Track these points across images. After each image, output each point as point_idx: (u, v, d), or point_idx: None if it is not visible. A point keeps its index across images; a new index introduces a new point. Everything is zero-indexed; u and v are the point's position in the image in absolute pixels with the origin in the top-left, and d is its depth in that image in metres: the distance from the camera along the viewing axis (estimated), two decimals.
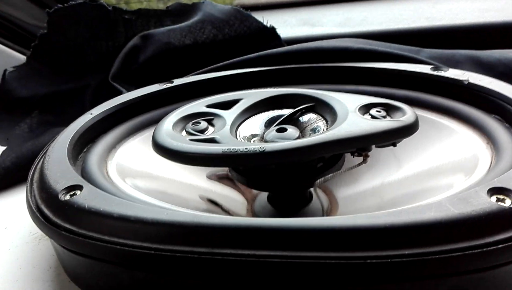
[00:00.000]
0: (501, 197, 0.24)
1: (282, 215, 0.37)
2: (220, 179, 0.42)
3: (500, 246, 0.22)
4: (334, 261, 0.23)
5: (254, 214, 0.39)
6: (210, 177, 0.42)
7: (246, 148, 0.30)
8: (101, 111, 0.43)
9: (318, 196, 0.34)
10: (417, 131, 0.31)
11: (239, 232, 0.25)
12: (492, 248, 0.22)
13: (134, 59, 0.60)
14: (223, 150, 0.31)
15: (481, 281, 0.24)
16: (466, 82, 0.38)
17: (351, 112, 0.33)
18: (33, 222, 0.31)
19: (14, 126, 0.55)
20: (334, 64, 0.47)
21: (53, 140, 0.39)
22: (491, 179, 0.27)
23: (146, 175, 0.39)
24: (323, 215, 0.35)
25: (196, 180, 0.41)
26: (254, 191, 0.41)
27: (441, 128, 0.38)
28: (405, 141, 0.32)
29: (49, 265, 0.35)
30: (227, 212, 0.39)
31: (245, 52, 0.54)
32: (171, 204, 0.33)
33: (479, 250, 0.22)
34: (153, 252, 0.25)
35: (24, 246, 0.38)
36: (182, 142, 0.32)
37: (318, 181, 0.32)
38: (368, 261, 0.23)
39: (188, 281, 0.26)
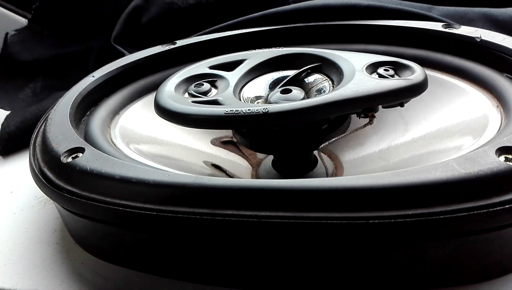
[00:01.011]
0: (510, 156, 0.24)
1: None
2: (225, 144, 0.42)
3: (507, 206, 0.22)
4: (336, 222, 0.23)
5: (258, 179, 0.39)
6: (214, 142, 0.42)
7: (249, 109, 0.30)
8: (103, 74, 0.43)
9: (323, 160, 0.33)
10: (426, 91, 0.30)
11: (241, 193, 0.24)
12: (498, 208, 0.22)
13: (137, 20, 0.59)
14: (225, 112, 0.30)
15: (487, 241, 0.24)
16: (479, 40, 0.37)
17: (358, 72, 0.32)
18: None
19: (18, 90, 0.55)
20: (342, 22, 0.45)
21: (55, 103, 0.39)
22: (501, 139, 0.26)
23: (149, 140, 0.39)
24: None
25: (201, 146, 0.41)
26: (259, 157, 0.41)
27: (450, 88, 0.37)
28: (413, 102, 0.31)
29: (54, 228, 0.35)
30: (231, 177, 0.38)
31: (250, 11, 0.52)
32: (175, 169, 0.33)
33: (485, 211, 0.22)
34: (155, 213, 0.25)
35: (30, 210, 0.38)
36: (184, 104, 0.32)
37: (322, 143, 0.32)
38: (371, 221, 0.22)
39: (190, 241, 0.26)
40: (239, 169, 0.40)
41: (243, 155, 0.42)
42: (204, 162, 0.40)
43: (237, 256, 0.26)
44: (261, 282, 0.27)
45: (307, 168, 0.37)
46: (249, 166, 0.41)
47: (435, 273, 0.25)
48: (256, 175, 0.40)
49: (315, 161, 0.37)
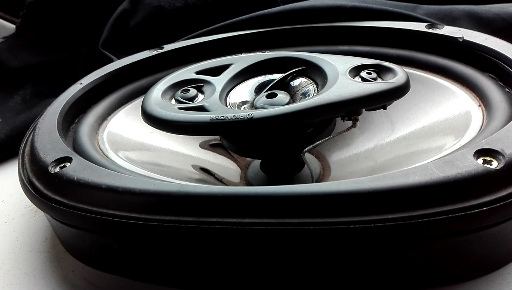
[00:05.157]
0: (488, 159, 0.24)
1: (274, 182, 0.37)
2: (213, 147, 0.42)
3: (485, 208, 0.22)
4: (318, 227, 0.23)
5: (247, 181, 0.39)
6: (203, 146, 0.42)
7: (234, 116, 0.30)
8: (91, 81, 0.43)
9: (307, 162, 0.34)
10: (410, 90, 0.31)
11: (225, 200, 0.25)
12: (476, 211, 0.22)
13: (124, 24, 0.59)
14: (211, 118, 0.30)
15: (466, 243, 0.24)
16: (461, 40, 0.37)
17: (341, 75, 0.32)
18: None
19: (7, 98, 0.55)
20: (328, 24, 0.46)
21: (43, 112, 0.39)
22: (480, 140, 0.27)
23: (137, 146, 0.39)
24: (312, 181, 0.35)
25: (189, 149, 0.41)
26: (247, 159, 0.41)
27: (434, 87, 0.37)
28: (398, 102, 0.31)
29: (45, 236, 0.36)
30: (220, 180, 0.39)
31: (237, 13, 0.53)
32: (163, 175, 0.33)
33: (463, 213, 0.22)
34: (141, 222, 0.26)
35: (21, 218, 0.38)
36: (171, 110, 0.32)
37: (307, 147, 0.32)
38: (352, 226, 0.23)
39: (177, 249, 0.27)
40: (228, 172, 0.41)
41: (231, 158, 0.42)
42: (193, 166, 0.40)
43: (222, 262, 0.26)
44: (245, 287, 0.27)
45: (295, 169, 0.37)
46: (237, 168, 0.41)
47: (417, 275, 0.25)
48: (244, 178, 0.40)
49: (302, 162, 0.38)
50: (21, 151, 0.35)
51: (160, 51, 0.47)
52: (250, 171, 0.40)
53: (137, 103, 0.43)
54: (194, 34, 0.52)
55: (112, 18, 0.59)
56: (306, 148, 0.33)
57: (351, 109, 0.30)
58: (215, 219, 0.25)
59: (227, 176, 0.40)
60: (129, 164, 0.34)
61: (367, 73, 0.32)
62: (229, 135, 0.34)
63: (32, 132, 0.36)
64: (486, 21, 0.47)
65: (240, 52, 0.45)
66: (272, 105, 0.32)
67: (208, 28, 0.52)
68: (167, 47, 0.48)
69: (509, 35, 0.43)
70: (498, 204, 0.22)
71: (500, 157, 0.24)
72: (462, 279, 0.26)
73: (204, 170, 0.40)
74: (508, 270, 0.26)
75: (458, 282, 0.26)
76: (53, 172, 0.30)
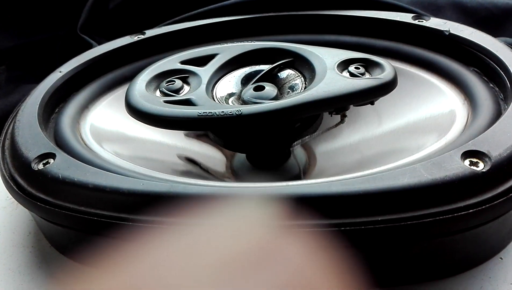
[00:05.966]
0: (475, 160, 0.25)
1: (260, 172, 0.37)
2: (199, 136, 0.42)
3: (471, 211, 0.23)
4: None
5: (232, 171, 0.39)
6: (188, 135, 0.41)
7: (222, 112, 0.30)
8: (71, 69, 0.41)
9: (293, 153, 0.34)
10: (398, 85, 0.31)
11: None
12: (462, 213, 0.23)
13: (103, 6, 0.57)
14: (198, 114, 0.30)
15: (452, 243, 0.25)
16: (447, 33, 0.37)
17: (329, 70, 0.32)
18: None
19: None
20: (314, 12, 0.45)
21: (23, 101, 0.38)
22: (465, 139, 0.27)
23: (121, 137, 0.38)
24: (300, 173, 0.35)
25: (174, 139, 0.40)
26: None
27: (420, 82, 0.37)
28: (386, 96, 0.32)
29: (29, 230, 0.35)
30: (205, 170, 0.38)
31: None
32: (148, 168, 0.33)
33: (449, 216, 0.23)
34: (130, 223, 0.25)
35: (2, 211, 0.37)
36: (156, 104, 0.31)
37: (296, 142, 0.32)
38: (342, 228, 0.23)
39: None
40: (213, 161, 0.40)
41: (217, 147, 0.42)
42: (178, 156, 0.40)
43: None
44: None
45: (281, 160, 0.37)
46: (223, 157, 0.41)
47: (403, 272, 0.26)
48: (230, 167, 0.40)
49: (289, 153, 0.38)
50: (0, 144, 0.34)
51: (142, 36, 0.46)
52: (235, 160, 0.40)
53: (120, 92, 0.41)
54: (177, 18, 0.51)
55: (90, 0, 0.57)
56: (294, 144, 0.33)
57: (340, 105, 0.30)
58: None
59: (213, 165, 0.40)
60: (113, 157, 0.33)
61: (355, 68, 0.32)
62: (216, 130, 0.34)
63: (12, 124, 0.35)
64: (471, 10, 0.47)
65: (225, 38, 0.44)
66: (260, 98, 0.32)
67: (191, 13, 0.50)
68: (149, 33, 0.46)
69: (492, 25, 0.43)
70: (483, 207, 0.23)
71: (486, 159, 0.24)
72: (446, 275, 0.26)
73: (190, 160, 0.40)
74: (489, 266, 0.27)
75: (442, 278, 0.26)
76: (36, 169, 0.29)
